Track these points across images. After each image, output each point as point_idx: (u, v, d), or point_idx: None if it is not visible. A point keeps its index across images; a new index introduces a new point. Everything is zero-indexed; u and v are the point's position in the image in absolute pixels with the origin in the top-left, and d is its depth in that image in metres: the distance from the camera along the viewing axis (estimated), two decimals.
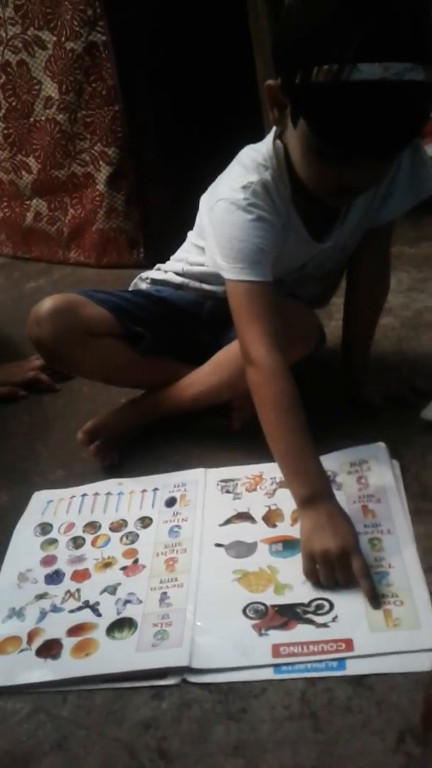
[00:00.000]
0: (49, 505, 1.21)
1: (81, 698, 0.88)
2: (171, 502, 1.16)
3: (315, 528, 0.95)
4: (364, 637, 0.87)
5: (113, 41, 1.87)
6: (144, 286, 1.35)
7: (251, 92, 1.89)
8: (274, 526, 1.07)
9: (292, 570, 0.98)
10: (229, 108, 1.99)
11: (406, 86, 0.81)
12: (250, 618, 0.93)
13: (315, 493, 0.98)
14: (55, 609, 1.00)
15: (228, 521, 1.10)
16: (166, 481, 1.20)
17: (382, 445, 1.15)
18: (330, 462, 1.12)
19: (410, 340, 1.47)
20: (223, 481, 1.18)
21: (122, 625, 0.95)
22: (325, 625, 0.89)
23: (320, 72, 0.82)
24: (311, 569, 0.95)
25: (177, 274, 1.29)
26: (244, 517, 1.10)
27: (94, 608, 0.99)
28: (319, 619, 0.90)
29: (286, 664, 0.86)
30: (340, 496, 1.03)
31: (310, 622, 0.90)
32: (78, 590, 1.03)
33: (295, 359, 1.14)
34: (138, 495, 1.19)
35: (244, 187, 1.04)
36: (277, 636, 0.89)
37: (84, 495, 1.21)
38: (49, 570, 1.08)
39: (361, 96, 0.81)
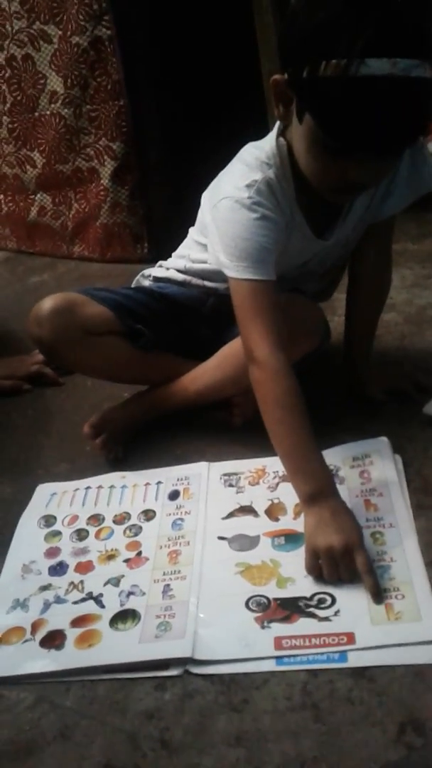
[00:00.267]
0: (53, 498, 1.22)
1: (84, 688, 0.89)
2: (174, 496, 1.16)
3: (319, 524, 0.96)
4: (365, 631, 0.87)
5: (118, 36, 1.87)
6: (146, 283, 1.35)
7: (256, 88, 1.89)
8: (277, 519, 1.08)
9: (294, 564, 0.98)
10: (233, 103, 1.99)
11: (413, 82, 0.81)
12: (253, 611, 0.93)
13: (319, 490, 0.98)
14: (58, 600, 1.01)
15: (231, 515, 1.10)
16: (169, 475, 1.21)
17: (384, 439, 1.16)
18: (333, 456, 1.12)
19: (413, 335, 1.48)
20: (226, 474, 1.18)
21: (125, 616, 0.96)
22: (327, 618, 0.90)
23: (328, 66, 0.82)
24: (314, 565, 0.95)
25: (179, 271, 1.30)
26: (247, 510, 1.11)
27: (97, 600, 1.00)
28: (321, 613, 0.91)
29: (288, 656, 0.87)
30: (342, 490, 1.04)
31: (312, 615, 0.91)
32: (81, 582, 1.04)
33: (301, 354, 1.15)
34: (141, 488, 1.20)
35: (248, 186, 1.04)
36: (279, 629, 0.90)
37: (88, 488, 1.22)
38: (53, 562, 1.08)
39: (368, 90, 0.82)
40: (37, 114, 2.09)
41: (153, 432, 1.31)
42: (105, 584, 1.02)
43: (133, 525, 1.13)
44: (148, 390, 1.34)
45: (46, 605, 1.01)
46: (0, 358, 1.64)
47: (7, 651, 0.95)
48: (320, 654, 0.86)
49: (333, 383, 1.31)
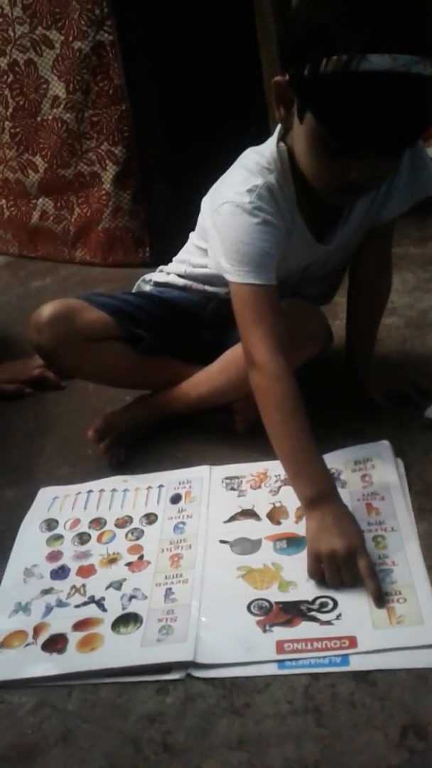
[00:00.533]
0: (55, 502, 1.22)
1: (86, 692, 0.88)
2: (176, 499, 1.17)
3: (321, 529, 0.96)
4: (367, 634, 0.87)
5: (120, 41, 1.88)
6: (147, 288, 1.35)
7: (257, 92, 1.90)
8: (279, 523, 1.08)
9: (296, 567, 0.98)
10: (235, 107, 2.00)
11: (414, 78, 0.82)
12: (255, 614, 0.93)
13: (320, 494, 0.98)
14: (60, 604, 1.01)
15: (232, 518, 1.11)
16: (171, 478, 1.21)
17: (386, 443, 1.16)
18: (334, 460, 1.12)
19: (414, 339, 1.48)
20: (227, 478, 1.18)
21: (127, 620, 0.96)
22: (329, 622, 0.90)
23: (329, 63, 0.83)
24: (316, 569, 0.95)
25: (180, 276, 1.30)
26: (249, 514, 1.11)
27: (99, 603, 1.00)
28: (323, 617, 0.91)
29: (290, 660, 0.86)
30: (344, 494, 1.04)
31: (314, 619, 0.91)
32: (83, 585, 1.04)
33: (304, 359, 1.15)
34: (143, 492, 1.20)
35: (249, 191, 1.04)
36: (281, 633, 0.90)
37: (90, 491, 1.22)
38: (55, 565, 1.08)
39: (369, 86, 0.82)
40: (39, 119, 2.10)
41: (155, 436, 1.31)
42: (107, 588, 1.02)
43: (135, 528, 1.13)
44: (150, 394, 1.34)
45: (48, 609, 1.01)
46: (2, 362, 1.65)
47: (9, 655, 0.95)
48: (322, 658, 0.86)
49: (334, 386, 1.31)
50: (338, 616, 0.90)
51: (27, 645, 0.95)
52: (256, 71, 1.94)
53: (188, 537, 1.08)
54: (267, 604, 0.94)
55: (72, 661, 0.92)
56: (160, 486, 1.20)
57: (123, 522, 1.15)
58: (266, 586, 0.97)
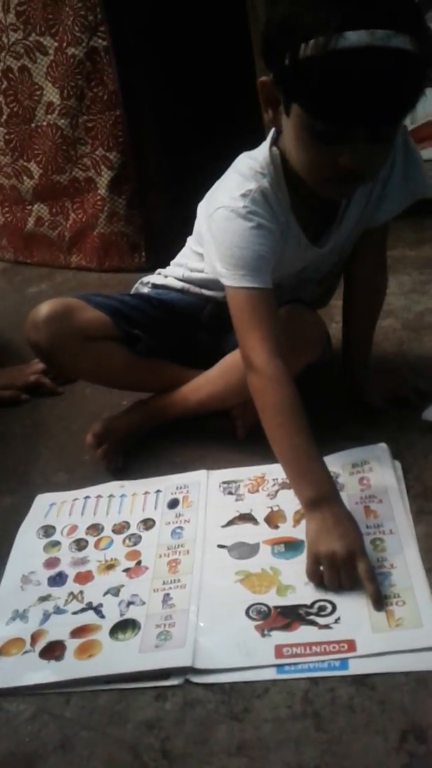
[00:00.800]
0: (52, 508, 1.21)
1: (84, 699, 0.88)
2: (173, 504, 1.16)
3: (321, 530, 0.95)
4: (366, 638, 0.87)
5: (114, 46, 1.88)
6: (145, 290, 1.35)
7: (252, 97, 1.89)
8: (277, 527, 1.08)
9: (294, 571, 0.98)
10: (230, 113, 2.00)
11: (393, 52, 0.82)
12: (253, 619, 0.93)
13: (321, 496, 0.98)
14: (58, 611, 1.01)
15: (230, 522, 1.10)
16: (169, 483, 1.21)
17: (383, 446, 1.16)
18: (332, 463, 1.12)
19: (411, 341, 1.48)
20: (225, 482, 1.18)
21: (125, 626, 0.96)
22: (327, 626, 0.90)
23: (307, 47, 0.83)
24: (315, 571, 0.95)
25: (177, 279, 1.30)
26: (247, 518, 1.10)
27: (97, 610, 0.99)
28: (321, 621, 0.91)
29: (289, 665, 0.86)
30: (342, 497, 1.03)
31: (313, 623, 0.91)
32: (81, 592, 1.03)
33: (304, 365, 1.15)
34: (140, 497, 1.19)
35: (244, 195, 1.04)
36: (279, 637, 0.90)
37: (87, 497, 1.22)
38: (53, 572, 1.08)
39: (348, 62, 0.82)
40: (33, 125, 2.10)
41: (152, 440, 1.31)
42: (105, 594, 1.02)
43: (133, 534, 1.12)
44: (149, 399, 1.34)
45: (46, 616, 1.00)
46: None
47: (7, 662, 0.94)
48: (321, 662, 0.85)
49: (331, 390, 1.31)
50: (337, 620, 0.90)
51: (25, 652, 0.95)
52: (251, 76, 1.94)
53: (186, 542, 1.08)
54: (265, 608, 0.94)
55: (70, 668, 0.91)
56: (158, 491, 1.20)
57: (120, 528, 1.14)
58: (264, 590, 0.97)
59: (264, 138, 1.09)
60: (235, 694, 0.85)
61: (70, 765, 0.81)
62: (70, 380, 1.56)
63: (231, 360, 1.20)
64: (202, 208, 1.16)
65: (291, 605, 0.94)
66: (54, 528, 1.17)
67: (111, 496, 1.21)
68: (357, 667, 0.84)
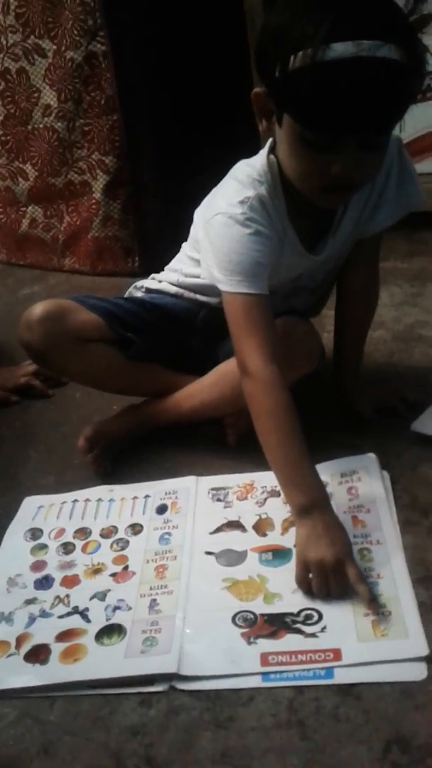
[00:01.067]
0: (40, 511, 1.21)
1: (69, 704, 0.88)
2: (162, 510, 1.16)
3: (311, 537, 0.96)
4: (352, 647, 0.87)
5: (113, 51, 1.88)
6: (139, 294, 1.35)
7: (249, 104, 1.90)
8: (265, 535, 1.08)
9: (281, 579, 0.98)
10: (227, 119, 2.00)
11: (380, 62, 0.83)
12: (239, 626, 0.93)
13: (312, 503, 0.98)
14: (44, 614, 1.00)
15: (218, 529, 1.10)
16: (158, 489, 1.21)
17: (372, 456, 1.16)
18: (321, 472, 1.11)
19: (401, 353, 1.48)
20: (214, 489, 1.18)
21: (111, 631, 0.95)
22: (313, 635, 0.90)
23: (296, 59, 0.85)
24: (304, 578, 0.95)
25: (172, 284, 1.30)
26: (235, 525, 1.10)
27: (83, 614, 0.99)
28: (307, 629, 0.91)
29: (275, 673, 0.86)
30: None
31: (299, 631, 0.91)
32: (67, 596, 1.03)
33: (299, 377, 1.15)
34: (129, 502, 1.19)
35: (242, 202, 1.05)
36: (265, 645, 0.90)
37: (75, 501, 1.21)
38: (39, 575, 1.08)
39: (336, 73, 0.84)
40: (30, 127, 2.10)
41: (143, 445, 1.31)
42: (91, 598, 1.02)
43: (121, 539, 1.12)
44: (141, 404, 1.33)
45: (31, 619, 1.00)
46: None
47: None
48: (307, 670, 0.86)
49: (321, 399, 1.31)
50: (323, 629, 0.90)
51: (9, 655, 0.95)
52: (248, 83, 1.95)
53: (174, 548, 1.08)
54: (252, 616, 0.94)
55: (55, 672, 0.91)
56: (146, 496, 1.20)
57: (108, 532, 1.14)
58: (251, 598, 0.97)
59: (260, 145, 1.10)
60: (220, 702, 0.84)
61: None
62: (61, 383, 1.55)
63: (225, 369, 1.20)
64: (200, 214, 1.17)
65: (278, 613, 0.94)
66: (41, 531, 1.16)
67: (99, 500, 1.21)
68: (342, 676, 0.85)
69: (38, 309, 1.18)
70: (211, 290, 1.17)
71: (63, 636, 0.96)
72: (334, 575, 0.93)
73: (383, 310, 1.58)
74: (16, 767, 0.81)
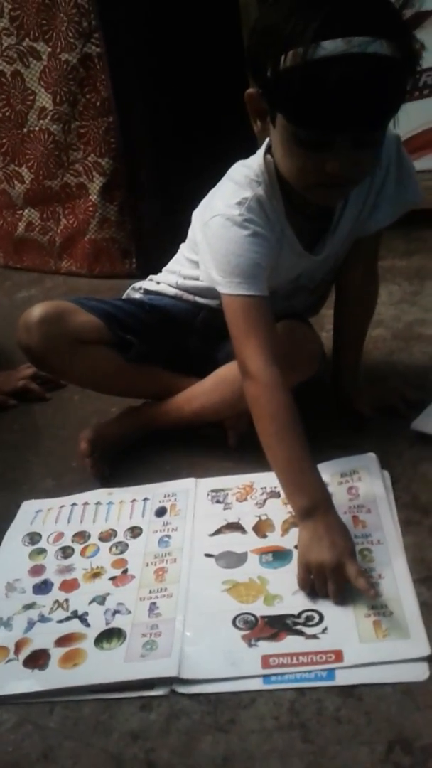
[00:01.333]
0: (38, 515, 1.20)
1: (68, 709, 0.87)
2: (161, 512, 1.15)
3: (313, 539, 0.95)
4: (353, 648, 0.87)
5: (108, 53, 1.88)
6: (137, 296, 1.35)
7: (244, 105, 1.90)
8: (265, 536, 1.07)
9: (282, 581, 0.98)
10: (223, 119, 2.00)
11: (371, 58, 0.83)
12: (240, 629, 0.92)
13: (315, 505, 0.98)
14: (43, 619, 1.00)
15: (218, 531, 1.10)
16: (156, 491, 1.20)
17: (372, 455, 1.16)
18: (321, 472, 1.11)
19: (401, 351, 1.48)
20: (213, 491, 1.18)
21: (111, 635, 0.95)
22: (314, 636, 0.89)
23: (287, 58, 0.85)
24: (305, 580, 0.95)
25: (170, 286, 1.30)
26: (235, 527, 1.10)
27: (82, 618, 0.99)
28: (308, 631, 0.90)
29: (276, 675, 0.85)
30: None
31: (300, 633, 0.90)
32: (66, 600, 1.02)
33: (300, 380, 1.15)
34: (128, 505, 1.19)
35: (239, 203, 1.04)
36: (266, 647, 0.89)
37: (73, 504, 1.21)
38: (38, 580, 1.07)
39: (327, 71, 0.83)
40: (25, 130, 2.10)
41: (143, 447, 1.30)
42: (90, 602, 1.01)
43: (120, 542, 1.12)
44: (141, 406, 1.33)
45: (30, 624, 0.99)
46: None
47: None
48: (308, 672, 0.85)
49: (321, 398, 1.31)
50: (324, 630, 0.90)
51: (8, 661, 0.94)
52: (244, 85, 1.95)
53: (173, 550, 1.07)
54: (252, 618, 0.93)
55: (54, 677, 0.90)
56: (145, 499, 1.19)
57: (107, 535, 1.13)
58: (252, 599, 0.96)
59: (256, 146, 1.09)
60: (221, 705, 0.84)
61: None
62: (59, 386, 1.55)
63: (225, 372, 1.19)
64: (198, 216, 1.16)
65: (278, 615, 0.93)
66: (40, 535, 1.16)
67: (98, 503, 1.20)
68: (344, 677, 0.84)
69: (37, 311, 1.18)
70: (210, 292, 1.16)
71: (62, 641, 0.95)
72: (334, 578, 0.92)
73: (382, 309, 1.58)
74: None
